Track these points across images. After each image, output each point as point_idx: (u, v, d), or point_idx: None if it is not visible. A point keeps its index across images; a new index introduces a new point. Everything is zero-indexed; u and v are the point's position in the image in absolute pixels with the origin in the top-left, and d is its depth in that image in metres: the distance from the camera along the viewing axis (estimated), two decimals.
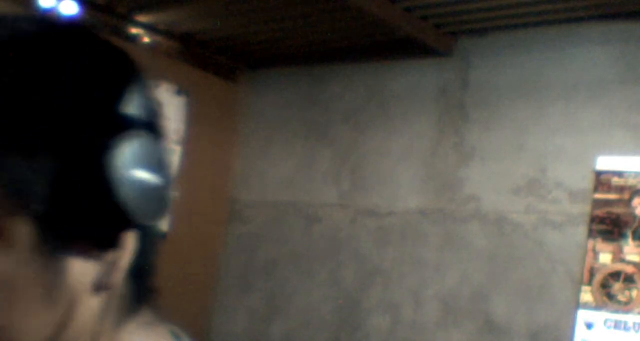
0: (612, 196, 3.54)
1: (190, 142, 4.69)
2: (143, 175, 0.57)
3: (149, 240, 0.63)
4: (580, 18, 3.70)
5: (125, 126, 0.58)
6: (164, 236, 4.62)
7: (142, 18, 4.40)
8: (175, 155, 4.64)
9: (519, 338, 3.71)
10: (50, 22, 0.61)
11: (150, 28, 4.48)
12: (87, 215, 0.56)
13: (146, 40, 4.50)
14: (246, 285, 4.77)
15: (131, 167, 0.56)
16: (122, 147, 0.56)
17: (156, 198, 0.58)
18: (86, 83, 0.59)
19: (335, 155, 4.54)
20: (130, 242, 0.58)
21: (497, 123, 3.96)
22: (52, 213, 0.56)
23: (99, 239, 0.58)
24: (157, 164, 0.59)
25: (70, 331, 0.58)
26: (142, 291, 0.64)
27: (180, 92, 4.66)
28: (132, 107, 0.59)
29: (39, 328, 0.57)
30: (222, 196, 4.91)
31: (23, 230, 0.55)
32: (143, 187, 0.57)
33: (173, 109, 4.62)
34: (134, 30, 4.45)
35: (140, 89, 0.61)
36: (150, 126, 0.61)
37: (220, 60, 4.88)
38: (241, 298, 4.77)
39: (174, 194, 0.62)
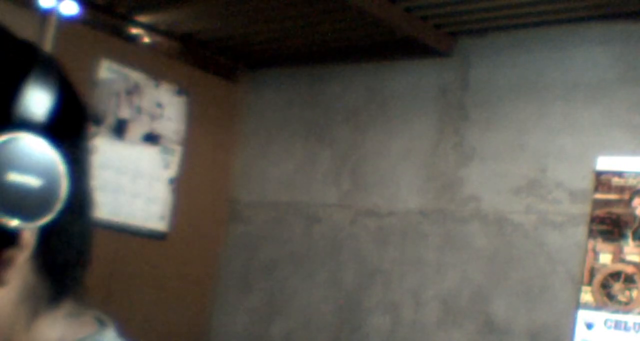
0: (612, 196, 3.54)
1: (190, 142, 4.69)
2: (17, 177, 0.55)
3: (68, 236, 0.62)
4: (580, 18, 3.70)
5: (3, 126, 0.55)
6: (162, 236, 4.62)
7: (142, 18, 4.41)
8: (175, 155, 4.64)
9: (519, 338, 3.71)
10: None
11: (150, 28, 4.48)
12: None
13: (146, 40, 4.51)
14: (246, 285, 4.76)
15: (3, 169, 0.55)
16: None
17: (33, 200, 0.56)
18: None
19: (335, 155, 4.54)
20: (27, 239, 0.57)
21: (497, 123, 3.96)
22: None
23: None
24: (42, 165, 0.57)
25: None
26: (61, 284, 0.63)
27: (180, 92, 4.66)
28: (25, 103, 0.56)
29: None
30: (222, 196, 4.91)
31: None
32: (15, 189, 0.55)
33: (173, 109, 4.62)
34: (134, 30, 4.45)
35: (42, 84, 0.57)
36: (53, 124, 0.58)
37: (220, 60, 4.88)
38: (241, 298, 4.77)
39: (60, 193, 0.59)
